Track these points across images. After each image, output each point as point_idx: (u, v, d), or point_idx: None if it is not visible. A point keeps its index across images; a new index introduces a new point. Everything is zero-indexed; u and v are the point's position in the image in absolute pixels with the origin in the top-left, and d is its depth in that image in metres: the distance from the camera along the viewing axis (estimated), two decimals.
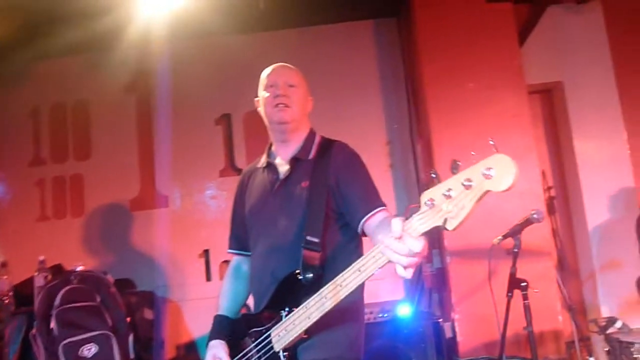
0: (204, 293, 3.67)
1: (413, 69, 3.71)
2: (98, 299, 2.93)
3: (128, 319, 2.94)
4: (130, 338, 2.85)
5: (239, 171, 3.79)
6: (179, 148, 3.92)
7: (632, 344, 2.52)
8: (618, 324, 2.74)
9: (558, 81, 3.70)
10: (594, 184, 3.55)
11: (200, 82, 3.88)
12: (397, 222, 1.23)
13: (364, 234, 1.67)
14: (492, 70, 3.39)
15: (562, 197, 3.73)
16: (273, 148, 1.85)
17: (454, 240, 3.17)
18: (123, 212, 3.88)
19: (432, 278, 3.34)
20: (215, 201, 3.90)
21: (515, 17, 3.50)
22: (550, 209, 3.62)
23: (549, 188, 3.66)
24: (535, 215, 2.36)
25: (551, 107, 3.81)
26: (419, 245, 1.21)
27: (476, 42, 3.41)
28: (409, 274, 1.24)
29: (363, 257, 1.36)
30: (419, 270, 3.28)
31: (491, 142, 1.20)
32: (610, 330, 2.74)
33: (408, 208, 3.45)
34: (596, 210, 3.54)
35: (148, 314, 3.43)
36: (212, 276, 3.78)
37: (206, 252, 3.81)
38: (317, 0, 3.66)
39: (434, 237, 3.25)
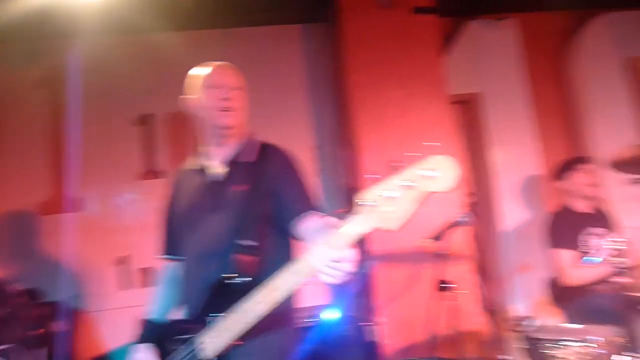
0: (120, 302, 3.48)
1: (340, 75, 3.74)
2: (2, 311, 2.69)
3: (40, 331, 2.72)
4: (44, 351, 2.64)
5: (159, 174, 3.64)
6: (94, 149, 3.70)
7: (543, 340, 2.66)
8: (531, 322, 2.88)
9: (477, 92, 3.88)
10: (509, 189, 3.75)
11: (121, 81, 3.69)
12: (328, 230, 1.23)
13: (298, 238, 1.65)
14: (417, 79, 3.49)
15: (482, 203, 3.90)
16: (207, 150, 1.78)
17: (379, 244, 3.21)
18: (31, 216, 3.61)
19: (358, 282, 3.36)
20: (133, 205, 3.71)
21: (439, 29, 3.63)
22: (475, 215, 3.78)
23: (470, 194, 3.82)
24: (463, 219, 2.44)
25: (471, 116, 3.97)
26: (348, 253, 1.22)
27: (402, 52, 3.49)
28: (336, 280, 1.24)
29: (296, 260, 1.35)
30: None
31: (427, 144, 1.21)
32: (523, 329, 2.87)
33: (336, 213, 3.45)
34: (512, 214, 3.74)
35: (60, 326, 3.19)
36: (129, 284, 3.59)
37: (123, 258, 3.62)
38: (246, 2, 3.61)
39: (359, 241, 3.27)
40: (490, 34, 3.92)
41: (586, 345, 2.43)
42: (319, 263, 1.30)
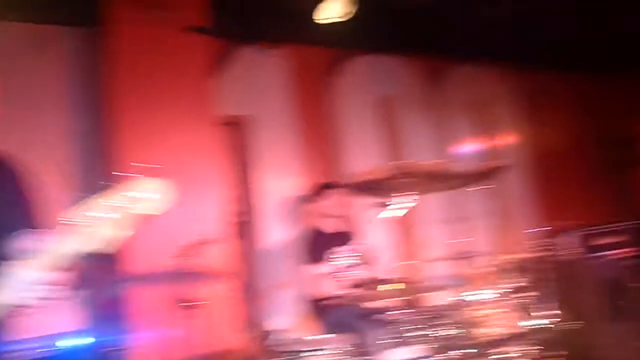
0: None
1: (104, 89, 3.55)
2: None
3: None
4: None
5: None
6: None
7: (293, 352, 2.84)
8: (281, 336, 3.05)
9: (247, 115, 4.02)
10: (272, 209, 3.95)
11: None
12: (33, 250, 1.16)
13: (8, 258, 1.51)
14: (184, 98, 3.49)
15: (247, 222, 4.02)
16: None
17: (135, 264, 3.10)
18: None
19: (107, 303, 3.20)
20: None
21: (211, 50, 3.70)
22: (238, 234, 3.88)
23: (236, 214, 3.93)
24: (205, 238, 2.49)
25: (240, 138, 4.10)
26: (49, 275, 1.16)
27: (170, 69, 3.48)
28: (36, 304, 1.17)
29: None
30: (93, 297, 3.10)
31: (139, 165, 1.22)
32: (274, 343, 3.03)
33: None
34: (274, 233, 3.94)
35: None
36: None
37: None
38: None
39: (109, 261, 3.13)
40: (262, 60, 4.11)
41: (327, 355, 2.68)
42: (17, 286, 1.21)
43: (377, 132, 4.48)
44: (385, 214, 2.74)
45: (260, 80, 4.06)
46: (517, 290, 2.83)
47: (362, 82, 4.49)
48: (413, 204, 3.58)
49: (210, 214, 3.35)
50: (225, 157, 3.73)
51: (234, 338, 3.37)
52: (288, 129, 4.11)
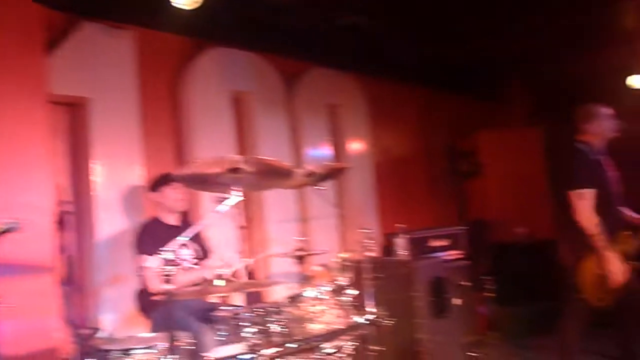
0: None
1: None
2: None
3: None
4: None
5: None
6: None
7: (112, 351, 2.67)
8: (102, 334, 2.86)
9: (85, 97, 3.71)
10: (109, 199, 3.69)
11: None
12: None
13: None
14: (12, 74, 3.13)
15: (78, 213, 3.72)
16: None
17: None
18: None
19: None
20: None
21: (46, 22, 3.36)
22: (62, 224, 3.55)
23: (64, 202, 3.60)
24: (10, 226, 2.25)
25: (75, 121, 3.78)
26: None
27: None
28: None
29: None
30: None
31: None
32: (94, 341, 2.82)
33: None
34: (110, 225, 3.68)
35: None
36: None
37: None
38: None
39: None
40: (106, 39, 3.82)
41: (151, 352, 2.55)
42: None
43: (227, 127, 4.41)
44: (222, 208, 2.69)
45: (102, 61, 3.77)
46: (347, 287, 2.92)
47: (215, 75, 4.38)
48: (242, 199, 3.60)
49: (36, 201, 3.04)
50: (60, 140, 3.41)
51: (54, 336, 3.09)
52: (131, 115, 3.87)
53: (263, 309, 2.81)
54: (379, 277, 4.31)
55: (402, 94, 6.11)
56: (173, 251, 3.31)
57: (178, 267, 3.50)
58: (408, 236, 4.51)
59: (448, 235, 5.07)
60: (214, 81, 4.35)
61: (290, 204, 4.67)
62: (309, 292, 2.86)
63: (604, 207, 3.50)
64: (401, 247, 4.39)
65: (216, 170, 2.42)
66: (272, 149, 4.59)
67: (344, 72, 5.35)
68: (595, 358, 4.38)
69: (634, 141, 3.89)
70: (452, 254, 5.02)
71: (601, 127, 3.67)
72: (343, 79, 5.38)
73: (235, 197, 2.59)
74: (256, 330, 2.74)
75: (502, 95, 7.44)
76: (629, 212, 3.75)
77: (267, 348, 2.54)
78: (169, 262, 3.22)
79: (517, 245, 5.81)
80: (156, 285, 3.20)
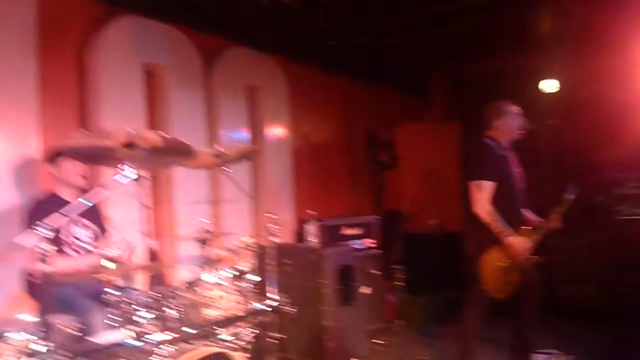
0: None
1: None
2: None
3: None
4: None
5: None
6: None
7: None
8: None
9: None
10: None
11: None
12: None
13: None
14: None
15: None
16: None
17: None
18: None
19: None
20: None
21: None
22: None
23: None
24: None
25: None
26: None
27: None
28: None
29: None
30: None
31: None
32: None
33: None
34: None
35: None
36: None
37: None
38: None
39: None
40: None
41: (28, 337, 2.36)
42: None
43: (138, 100, 4.17)
44: (119, 185, 2.52)
45: None
46: (248, 273, 2.84)
47: (127, 44, 4.12)
48: (148, 178, 3.42)
49: None
50: None
51: None
52: (27, 80, 3.56)
53: (159, 293, 2.68)
54: (287, 263, 4.28)
55: (326, 81, 6.07)
56: (59, 230, 3.11)
57: (73, 247, 3.29)
58: (318, 223, 4.49)
59: (361, 224, 5.11)
60: (125, 51, 4.10)
61: (203, 186, 4.52)
62: (208, 277, 2.76)
63: (505, 203, 3.62)
64: (311, 233, 4.37)
65: (109, 144, 2.24)
66: (186, 127, 4.40)
67: (266, 54, 5.22)
68: (492, 346, 4.57)
69: (539, 143, 4.04)
70: (364, 243, 5.07)
71: (509, 124, 3.78)
72: (265, 60, 5.25)
73: (131, 174, 2.43)
74: (151, 315, 2.62)
75: (424, 91, 7.59)
76: (529, 215, 3.89)
77: (156, 333, 2.42)
78: (56, 241, 3.02)
79: (429, 237, 5.95)
80: (41, 265, 2.98)
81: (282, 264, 4.29)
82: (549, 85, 6.58)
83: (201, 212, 4.34)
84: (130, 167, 2.29)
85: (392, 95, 7.06)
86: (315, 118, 6.00)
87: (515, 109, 3.84)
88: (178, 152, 2.43)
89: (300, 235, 4.79)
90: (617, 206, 7.24)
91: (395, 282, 5.43)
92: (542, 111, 4.82)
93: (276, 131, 5.37)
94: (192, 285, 2.74)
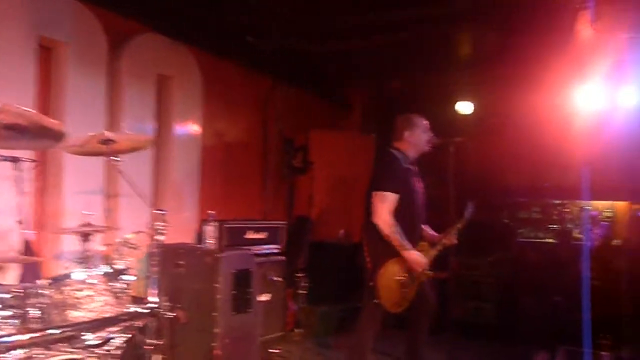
0: None
1: None
2: None
3: None
4: None
5: None
6: None
7: None
8: None
9: None
10: None
11: None
12: None
13: None
14: None
15: None
16: None
17: None
18: None
19: None
20: None
21: None
22: None
23: None
24: None
25: None
26: None
27: None
28: None
29: None
30: None
31: None
32: None
33: None
34: None
35: None
36: None
37: None
38: None
39: None
40: None
41: None
42: None
43: (28, 76, 3.78)
44: None
45: None
46: (124, 272, 2.61)
47: (20, 13, 3.75)
48: (26, 159, 3.11)
49: None
50: None
51: None
52: None
53: (21, 289, 2.40)
54: (180, 265, 4.06)
55: (245, 78, 5.88)
56: None
57: None
58: (219, 224, 4.30)
59: (266, 229, 4.97)
60: (18, 19, 3.72)
61: (97, 175, 4.19)
62: (80, 275, 2.51)
63: (406, 216, 3.60)
64: (209, 235, 4.16)
65: None
66: (83, 113, 4.07)
67: (180, 43, 4.95)
68: (384, 358, 4.56)
69: (445, 159, 4.04)
70: (268, 248, 4.92)
71: (418, 137, 3.78)
72: (179, 49, 4.98)
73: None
74: (8, 313, 2.34)
75: (345, 100, 7.59)
76: (428, 230, 3.91)
77: (10, 335, 2.15)
78: None
79: (335, 246, 5.91)
80: None
81: (175, 265, 4.07)
82: (464, 107, 6.77)
83: (93, 205, 4.03)
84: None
85: (312, 101, 6.98)
86: (230, 115, 5.79)
87: (425, 122, 3.84)
88: (44, 132, 2.16)
89: (198, 236, 4.57)
90: (519, 229, 7.55)
91: (298, 290, 5.33)
92: (455, 130, 4.89)
93: (186, 125, 5.12)
94: (59, 282, 2.48)
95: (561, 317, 5.50)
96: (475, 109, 6.74)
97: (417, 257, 3.56)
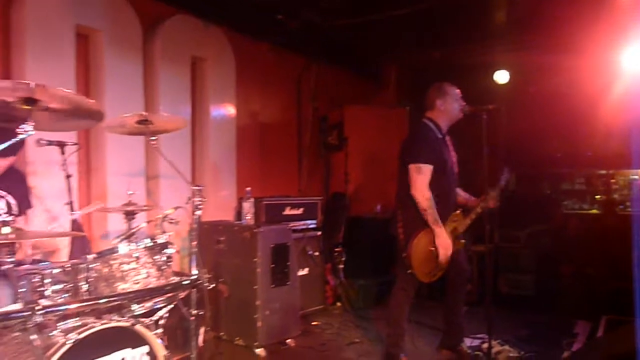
0: None
1: None
2: None
3: None
4: None
5: None
6: None
7: None
8: None
9: None
10: None
11: None
12: None
13: None
14: None
15: None
16: None
17: None
18: None
19: None
20: None
21: None
22: None
23: None
24: None
25: None
26: None
27: None
28: None
29: None
30: None
31: None
32: None
33: None
34: None
35: None
36: None
37: None
38: None
39: None
40: None
41: None
42: None
43: (68, 64, 3.92)
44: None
45: None
46: (166, 246, 2.73)
47: (57, 3, 3.88)
48: (70, 143, 3.25)
49: None
50: None
51: None
52: None
53: (71, 265, 2.55)
54: (220, 240, 4.18)
55: (277, 58, 5.92)
56: None
57: None
58: (257, 201, 4.39)
59: (304, 205, 5.04)
60: (56, 10, 3.85)
61: (138, 157, 4.34)
62: (123, 249, 2.63)
63: (440, 187, 3.60)
64: (248, 211, 4.26)
65: (4, 98, 2.02)
66: (122, 96, 4.20)
67: (213, 24, 5.02)
68: (423, 329, 4.59)
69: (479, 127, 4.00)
70: (305, 224, 5.01)
71: (449, 105, 3.74)
72: (212, 31, 5.05)
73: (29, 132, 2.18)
74: (60, 287, 2.49)
75: (378, 75, 7.54)
76: (463, 194, 3.90)
77: (62, 306, 2.29)
78: None
79: (372, 220, 5.93)
80: None
81: (215, 241, 4.20)
82: (501, 76, 6.62)
83: (136, 185, 4.18)
84: (32, 126, 2.08)
85: (345, 78, 6.97)
86: (264, 95, 5.86)
87: (457, 90, 3.80)
88: (85, 113, 2.25)
89: (238, 213, 4.68)
90: (563, 200, 7.42)
91: (336, 265, 5.41)
92: (493, 100, 4.81)
93: (221, 107, 5.21)
94: (106, 257, 2.61)
95: (603, 287, 5.42)
96: (512, 78, 6.58)
97: (444, 240, 3.55)
